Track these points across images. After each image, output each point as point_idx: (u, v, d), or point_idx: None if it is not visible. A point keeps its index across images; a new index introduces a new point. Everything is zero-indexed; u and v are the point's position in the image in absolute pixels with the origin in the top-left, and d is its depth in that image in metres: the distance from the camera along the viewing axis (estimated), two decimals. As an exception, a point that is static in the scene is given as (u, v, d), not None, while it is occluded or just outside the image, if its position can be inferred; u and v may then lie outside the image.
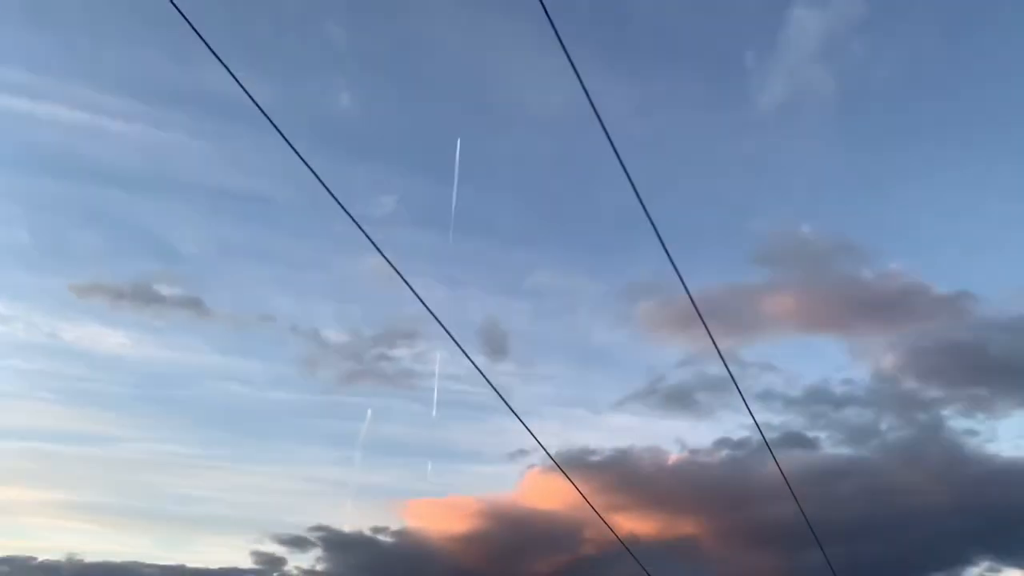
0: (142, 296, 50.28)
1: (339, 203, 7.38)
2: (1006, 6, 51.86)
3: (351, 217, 7.51)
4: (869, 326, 54.21)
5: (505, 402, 9.92)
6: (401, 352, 51.62)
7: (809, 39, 51.31)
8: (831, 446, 50.82)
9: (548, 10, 6.61)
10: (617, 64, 54.34)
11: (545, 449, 11.06)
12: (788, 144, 57.12)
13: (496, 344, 51.03)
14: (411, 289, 8.09)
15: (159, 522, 52.03)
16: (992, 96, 54.39)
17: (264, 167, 50.99)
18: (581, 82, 6.66)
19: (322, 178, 7.58)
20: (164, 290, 51.09)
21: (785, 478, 11.64)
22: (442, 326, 8.86)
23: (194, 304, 50.91)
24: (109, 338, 51.89)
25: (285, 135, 7.26)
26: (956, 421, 50.25)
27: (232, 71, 6.77)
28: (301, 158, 6.90)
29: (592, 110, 7.16)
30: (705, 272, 50.68)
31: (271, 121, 6.70)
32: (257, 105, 6.59)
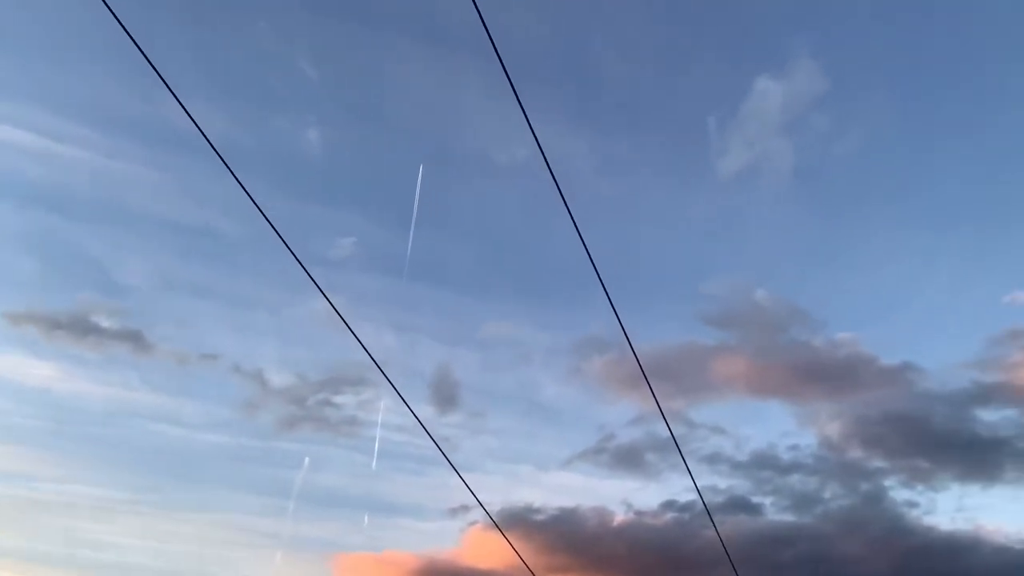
0: (79, 327, 48.64)
1: (284, 242, 7.24)
2: (964, 87, 54.64)
3: (296, 257, 7.37)
4: (817, 393, 55.11)
5: (446, 457, 9.70)
6: (346, 399, 50.52)
7: (770, 110, 53.13)
8: (775, 512, 51.03)
9: (509, 66, 6.69)
10: (583, 123, 55.38)
11: (485, 508, 10.82)
12: (746, 210, 58.47)
13: (446, 394, 50.46)
14: (355, 336, 7.93)
15: (74, 570, 49.34)
16: (942, 173, 56.87)
17: (219, 202, 50.27)
18: (534, 135, 6.71)
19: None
20: (103, 322, 49.50)
21: (723, 543, 11.56)
22: (384, 376, 8.66)
23: (134, 337, 49.40)
24: (39, 370, 49.86)
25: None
26: (897, 492, 51.03)
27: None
28: (246, 191, 6.77)
29: (545, 163, 7.21)
30: (658, 331, 51.11)
31: (215, 149, 6.58)
32: (202, 132, 6.48)
